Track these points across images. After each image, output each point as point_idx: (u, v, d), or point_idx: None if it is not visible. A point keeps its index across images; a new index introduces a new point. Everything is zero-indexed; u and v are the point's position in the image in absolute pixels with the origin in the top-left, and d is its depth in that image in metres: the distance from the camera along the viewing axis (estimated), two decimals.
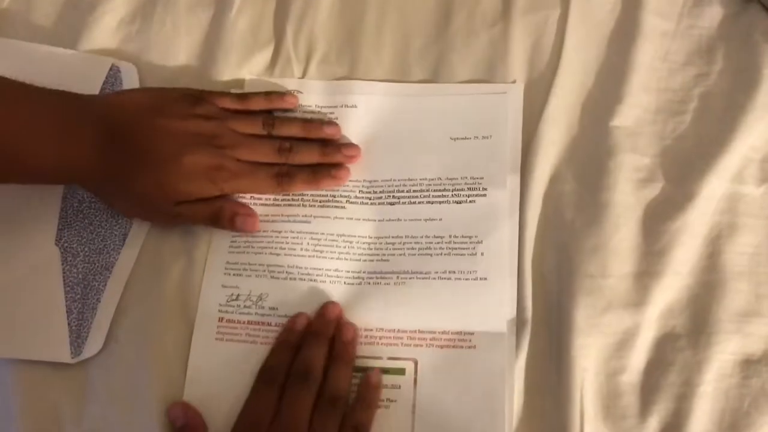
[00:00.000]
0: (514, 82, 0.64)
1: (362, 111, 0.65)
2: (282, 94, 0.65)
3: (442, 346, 0.57)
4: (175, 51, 0.68)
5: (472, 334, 0.57)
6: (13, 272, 0.59)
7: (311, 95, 0.66)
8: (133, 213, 0.62)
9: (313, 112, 0.66)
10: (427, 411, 0.56)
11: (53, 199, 0.62)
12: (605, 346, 0.55)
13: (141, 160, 0.58)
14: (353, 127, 0.65)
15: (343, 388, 0.55)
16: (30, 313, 0.59)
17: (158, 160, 0.58)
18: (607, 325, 0.55)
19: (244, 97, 0.64)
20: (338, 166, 0.63)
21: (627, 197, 0.59)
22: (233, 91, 0.65)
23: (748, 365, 0.54)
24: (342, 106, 0.65)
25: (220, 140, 0.60)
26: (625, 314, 0.55)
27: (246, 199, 0.63)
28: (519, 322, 0.57)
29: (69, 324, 0.58)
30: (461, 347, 0.57)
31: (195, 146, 0.59)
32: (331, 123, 0.64)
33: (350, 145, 0.64)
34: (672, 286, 0.56)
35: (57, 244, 0.60)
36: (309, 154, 0.62)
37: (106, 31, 0.69)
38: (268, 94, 0.65)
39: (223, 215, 0.60)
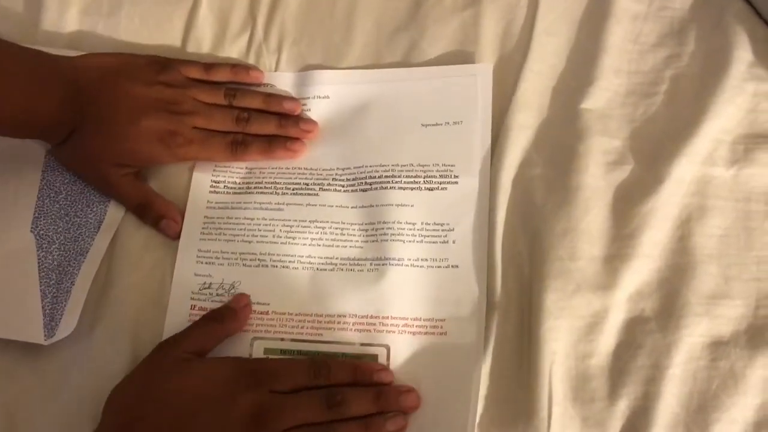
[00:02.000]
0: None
1: (334, 101, 0.65)
2: (247, 68, 0.66)
3: (414, 333, 0.57)
4: (144, 47, 0.68)
5: (443, 320, 0.57)
6: None
7: (283, 88, 0.67)
8: (73, 166, 0.63)
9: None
10: None
11: (29, 189, 0.62)
12: (574, 329, 0.54)
13: (98, 119, 0.60)
14: (326, 118, 0.65)
15: None
16: (4, 295, 0.59)
17: (114, 121, 0.60)
18: (576, 308, 0.55)
19: (210, 67, 0.65)
20: (294, 139, 0.63)
21: (597, 180, 0.58)
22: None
23: (717, 347, 0.53)
24: (314, 98, 0.66)
25: (179, 107, 0.61)
26: (594, 297, 0.55)
27: (218, 185, 0.63)
28: (489, 307, 0.57)
29: (43, 308, 0.58)
30: (433, 333, 0.57)
31: (152, 111, 0.60)
32: (292, 98, 0.65)
33: (308, 120, 0.64)
34: (641, 269, 0.56)
35: (33, 232, 0.60)
36: (266, 124, 0.63)
37: (73, 26, 0.69)
38: (234, 67, 0.66)
39: (150, 211, 0.62)
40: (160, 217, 0.61)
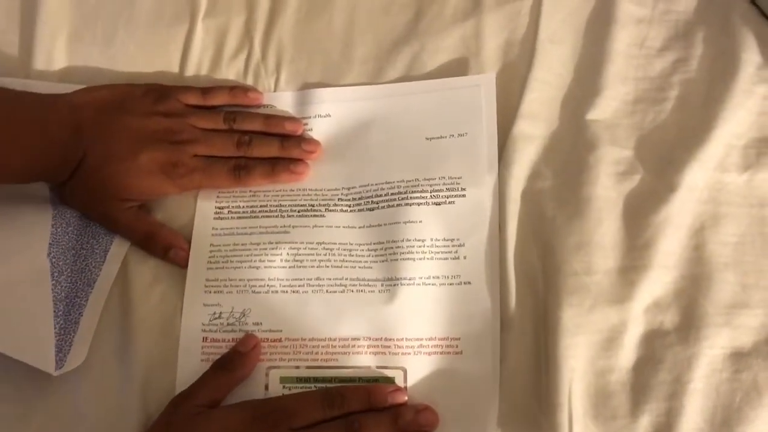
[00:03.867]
0: None
1: (335, 119, 0.64)
2: (246, 90, 0.65)
3: (429, 353, 0.56)
4: (141, 74, 0.67)
5: (458, 339, 0.56)
6: (7, 275, 0.58)
7: (283, 108, 0.66)
8: (76, 204, 0.62)
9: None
10: None
11: (44, 215, 0.61)
12: (592, 345, 0.54)
13: (98, 156, 0.59)
14: (329, 137, 0.64)
15: None
16: (21, 316, 0.58)
17: (114, 157, 0.59)
18: (594, 323, 0.54)
19: (207, 91, 0.64)
20: (297, 161, 0.62)
21: (608, 191, 0.57)
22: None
23: (739, 359, 0.53)
24: (316, 117, 0.65)
25: (178, 136, 0.61)
26: (611, 311, 0.54)
27: (223, 211, 0.62)
28: (504, 325, 0.56)
29: None
30: (448, 353, 0.56)
31: (152, 142, 0.60)
32: (293, 119, 0.64)
33: (310, 141, 0.63)
34: (658, 280, 0.55)
35: (48, 258, 0.59)
36: (268, 147, 0.62)
37: (67, 57, 0.68)
38: (232, 89, 0.65)
39: (157, 242, 0.61)
40: (168, 247, 0.61)
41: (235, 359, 0.57)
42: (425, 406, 0.55)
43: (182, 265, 0.61)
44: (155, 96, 0.62)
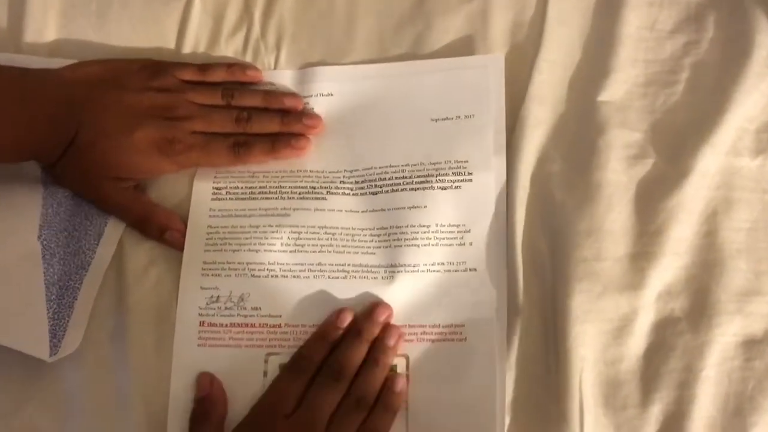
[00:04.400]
0: None
1: (338, 99, 0.63)
2: (244, 67, 0.63)
3: (432, 340, 0.55)
4: (136, 50, 0.65)
5: (462, 326, 0.55)
6: None
7: (284, 86, 0.64)
8: (69, 184, 0.60)
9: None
10: (421, 407, 0.54)
11: (35, 196, 0.59)
12: (603, 333, 0.53)
13: (91, 133, 0.57)
14: (331, 117, 0.62)
15: (373, 391, 0.54)
16: (12, 302, 0.56)
17: (108, 134, 0.57)
18: (604, 310, 0.53)
19: (205, 67, 0.62)
20: (299, 136, 0.61)
21: (619, 176, 0.56)
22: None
23: (751, 346, 0.52)
24: (317, 95, 0.63)
25: (174, 112, 0.59)
26: (621, 299, 0.53)
27: (221, 192, 0.61)
28: (511, 312, 0.55)
29: None
30: (452, 340, 0.55)
31: (147, 119, 0.58)
32: (294, 94, 0.63)
33: (311, 115, 0.62)
34: (669, 266, 0.54)
35: (39, 240, 0.58)
36: (268, 123, 0.61)
37: (60, 32, 0.66)
38: (230, 66, 0.63)
39: (152, 223, 0.59)
40: (163, 228, 0.59)
41: (206, 406, 0.55)
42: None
43: (178, 247, 0.59)
44: (151, 71, 0.60)
